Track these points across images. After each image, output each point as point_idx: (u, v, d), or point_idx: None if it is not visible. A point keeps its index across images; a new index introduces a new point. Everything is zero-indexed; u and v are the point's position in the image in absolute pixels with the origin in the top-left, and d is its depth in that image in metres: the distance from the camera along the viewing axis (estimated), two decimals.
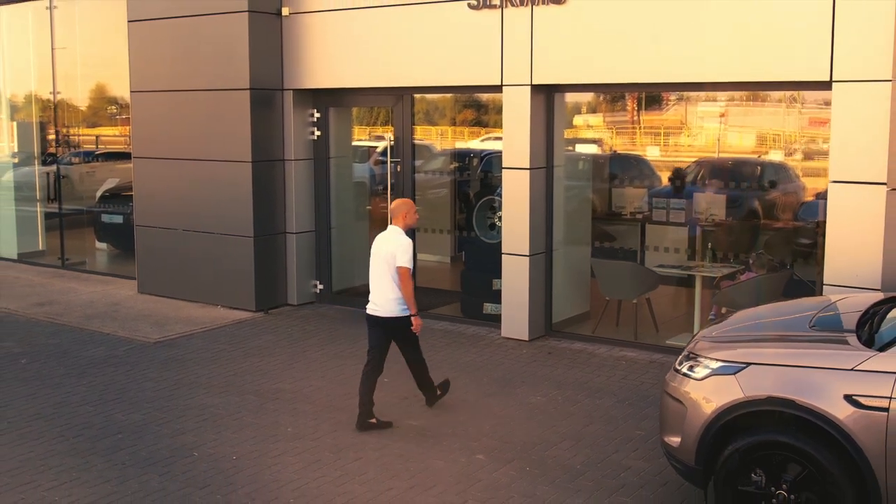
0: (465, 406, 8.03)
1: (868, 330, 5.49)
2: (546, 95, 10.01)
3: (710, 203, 11.72)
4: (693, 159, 13.19)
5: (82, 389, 8.56)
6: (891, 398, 4.89)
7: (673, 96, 12.30)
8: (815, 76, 8.13)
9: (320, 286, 12.04)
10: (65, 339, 10.38)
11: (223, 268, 11.74)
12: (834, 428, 5.03)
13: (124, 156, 15.07)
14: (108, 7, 14.07)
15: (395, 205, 7.79)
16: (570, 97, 10.98)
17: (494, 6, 9.85)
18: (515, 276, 10.09)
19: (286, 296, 11.91)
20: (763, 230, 11.68)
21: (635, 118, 13.20)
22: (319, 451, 7.05)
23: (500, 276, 10.33)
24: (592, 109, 12.74)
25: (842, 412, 5.02)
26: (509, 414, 7.83)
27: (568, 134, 11.52)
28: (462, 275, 11.64)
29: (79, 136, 15.55)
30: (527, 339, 10.07)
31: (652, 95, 12.30)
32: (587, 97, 11.97)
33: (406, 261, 7.43)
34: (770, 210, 11.73)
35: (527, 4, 9.64)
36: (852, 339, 5.37)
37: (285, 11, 11.47)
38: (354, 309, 11.60)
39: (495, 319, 10.52)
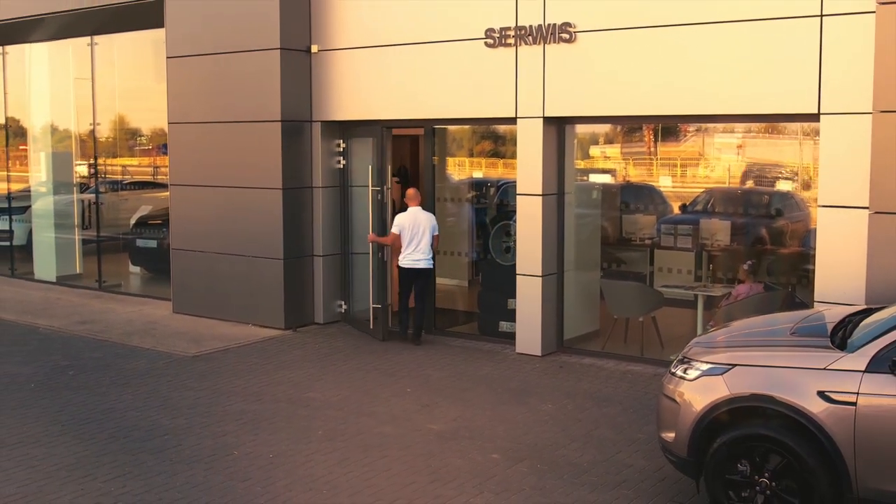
0: (481, 413, 8.69)
1: (842, 336, 6.13)
2: (557, 127, 10.73)
3: (716, 229, 12.38)
4: (703, 188, 13.87)
5: (128, 397, 9.27)
6: (858, 393, 5.54)
7: (692, 128, 12.99)
8: (804, 109, 8.83)
9: (345, 306, 12.74)
10: (107, 353, 11.11)
11: (254, 288, 12.47)
12: (809, 421, 5.68)
13: (157, 185, 15.93)
14: (145, 44, 14.96)
15: (414, 192, 11.60)
16: (589, 129, 11.72)
17: (509, 44, 10.60)
18: (529, 296, 10.77)
19: (313, 315, 12.63)
20: (767, 255, 12.30)
21: (652, 149, 13.90)
22: (348, 450, 7.71)
23: (514, 297, 11.00)
24: (610, 140, 13.46)
25: (816, 407, 5.66)
26: (522, 419, 8.48)
27: (584, 164, 12.26)
28: (479, 295, 12.32)
29: (106, 165, 16.34)
30: (539, 354, 10.73)
31: (668, 127, 13.02)
32: (605, 129, 12.69)
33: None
34: (775, 236, 12.36)
35: (539, 43, 10.39)
36: (826, 343, 6.02)
37: (314, 49, 12.28)
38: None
39: (510, 337, 11.18)
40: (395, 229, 11.39)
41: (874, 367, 5.55)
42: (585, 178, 12.64)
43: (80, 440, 8.02)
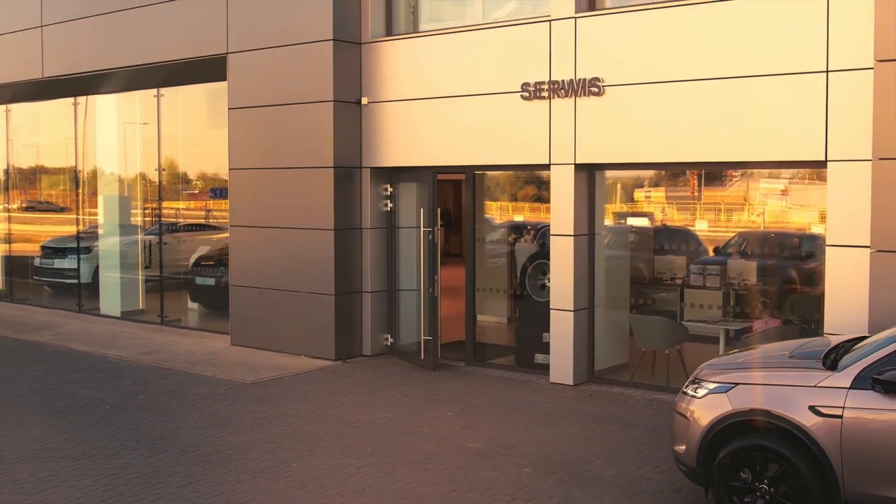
0: (515, 433, 9.48)
1: (834, 358, 6.89)
2: (588, 173, 11.60)
3: (743, 270, 13.10)
4: (736, 231, 14.59)
5: (194, 417, 10.20)
6: (843, 407, 6.29)
7: (737, 173, 13.75)
8: (813, 157, 9.62)
9: (391, 339, 13.62)
10: (173, 380, 12.08)
11: (307, 322, 13.41)
12: (801, 432, 6.43)
13: (212, 227, 17.00)
14: (201, 95, 16.10)
15: None
16: (633, 174, 12.60)
17: (543, 97, 11.52)
18: (562, 329, 11.58)
19: (361, 347, 13.53)
20: (792, 294, 12.96)
21: (696, 194, 14.66)
22: (395, 464, 8.54)
23: (549, 331, 11.80)
24: (655, 184, 14.27)
25: (807, 420, 6.41)
26: (553, 440, 9.26)
27: (628, 207, 13.08)
28: (516, 330, 13.14)
29: (163, 208, 17.45)
30: (571, 383, 11.51)
31: (712, 173, 13.82)
32: (649, 173, 13.52)
33: None
34: (801, 277, 13.02)
35: (571, 96, 11.30)
36: (818, 364, 6.78)
37: (364, 101, 13.31)
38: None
39: (545, 368, 11.97)
40: None
41: (858, 384, 6.30)
42: (623, 220, 13.45)
43: (153, 453, 8.93)
